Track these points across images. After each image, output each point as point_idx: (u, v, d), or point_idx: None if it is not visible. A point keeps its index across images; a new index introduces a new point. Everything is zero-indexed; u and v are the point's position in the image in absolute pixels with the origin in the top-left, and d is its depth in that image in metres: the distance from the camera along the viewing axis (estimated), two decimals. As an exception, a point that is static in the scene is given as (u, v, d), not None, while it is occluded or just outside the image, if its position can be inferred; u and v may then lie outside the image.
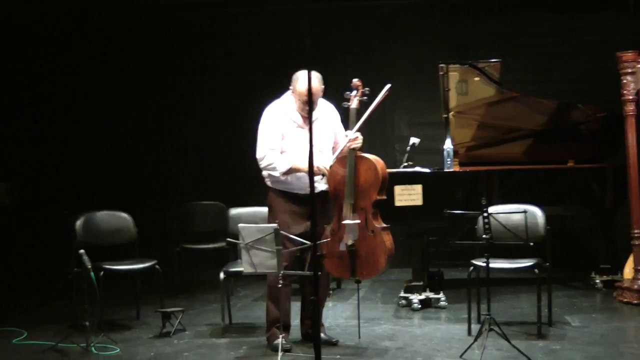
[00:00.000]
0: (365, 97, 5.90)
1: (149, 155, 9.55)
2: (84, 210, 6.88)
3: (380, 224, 5.74)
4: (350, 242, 5.68)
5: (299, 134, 5.76)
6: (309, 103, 4.00)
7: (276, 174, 5.75)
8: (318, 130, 5.70)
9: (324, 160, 5.75)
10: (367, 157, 5.79)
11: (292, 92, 5.76)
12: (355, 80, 5.94)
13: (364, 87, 5.90)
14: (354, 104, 5.86)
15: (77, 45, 9.65)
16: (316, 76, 5.67)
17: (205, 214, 8.14)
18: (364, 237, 5.70)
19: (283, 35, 9.09)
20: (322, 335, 5.78)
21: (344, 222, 5.70)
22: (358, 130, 5.78)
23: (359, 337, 6.01)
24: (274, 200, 5.85)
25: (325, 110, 5.90)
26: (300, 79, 5.67)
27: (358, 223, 5.69)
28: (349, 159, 5.74)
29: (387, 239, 5.70)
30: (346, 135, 5.81)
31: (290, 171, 5.69)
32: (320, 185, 5.76)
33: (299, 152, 5.70)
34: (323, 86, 5.74)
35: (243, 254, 5.37)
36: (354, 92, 5.88)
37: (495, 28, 9.09)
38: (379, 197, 5.72)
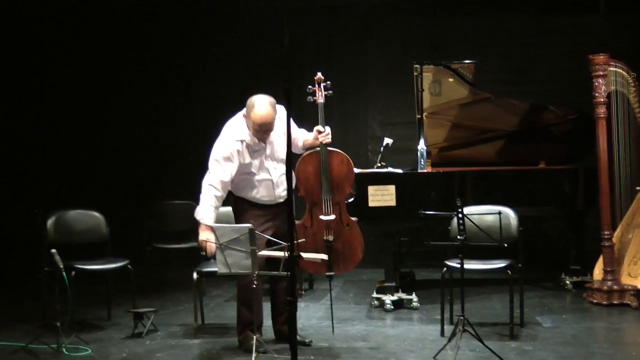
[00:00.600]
0: (330, 91, 5.94)
1: (121, 154, 9.47)
2: (55, 208, 6.79)
3: (352, 217, 5.82)
4: (330, 238, 5.68)
5: (258, 152, 5.71)
6: (286, 99, 3.97)
7: (195, 211, 5.80)
8: (277, 144, 5.71)
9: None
10: (337, 151, 5.86)
11: (246, 117, 5.67)
12: (319, 74, 5.97)
13: (326, 81, 5.92)
14: (320, 98, 5.91)
15: (51, 43, 9.53)
16: (269, 102, 5.57)
17: (177, 213, 8.07)
18: (340, 231, 5.79)
19: (260, 33, 9.08)
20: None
21: (322, 217, 5.70)
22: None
23: (333, 333, 6.05)
24: (238, 205, 5.85)
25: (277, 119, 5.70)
26: (256, 106, 5.55)
27: (335, 218, 5.74)
28: (321, 154, 5.78)
29: (359, 231, 5.82)
30: (318, 131, 5.80)
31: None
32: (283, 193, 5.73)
33: (259, 171, 5.68)
34: (276, 112, 5.59)
35: (217, 254, 5.34)
36: (318, 87, 5.91)
37: (469, 29, 9.13)
38: (351, 191, 5.75)
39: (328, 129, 5.81)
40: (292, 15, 4.07)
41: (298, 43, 8.83)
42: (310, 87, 5.95)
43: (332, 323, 6.17)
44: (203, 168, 9.22)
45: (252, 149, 5.69)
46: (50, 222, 6.64)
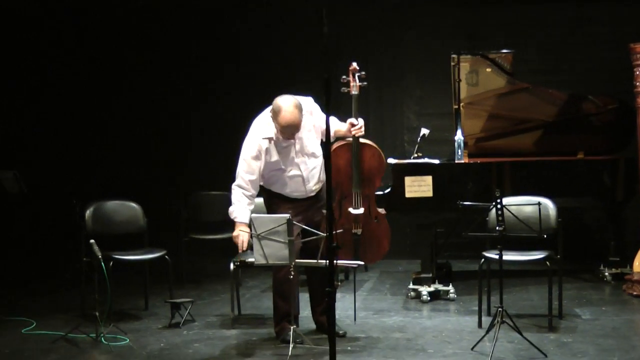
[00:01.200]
0: (364, 82, 5.89)
1: (158, 145, 9.51)
2: (93, 199, 6.85)
3: (380, 210, 5.82)
4: (358, 232, 5.66)
5: (287, 148, 5.68)
6: (325, 89, 3.95)
7: (230, 210, 5.78)
8: (306, 139, 5.68)
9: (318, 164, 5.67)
10: (369, 144, 5.82)
11: (273, 118, 5.62)
12: (354, 64, 5.90)
13: (360, 72, 5.84)
14: (354, 89, 5.85)
15: (85, 35, 9.61)
16: (294, 105, 5.50)
17: (214, 204, 8.09)
18: (369, 224, 5.80)
19: (296, 24, 9.07)
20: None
21: (351, 210, 5.67)
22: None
23: (355, 322, 6.11)
24: (270, 198, 5.85)
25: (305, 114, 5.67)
26: (282, 110, 5.49)
27: (363, 212, 5.75)
28: (353, 147, 5.73)
29: (387, 223, 5.83)
30: (351, 124, 5.76)
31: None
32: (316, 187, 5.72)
33: (288, 167, 5.65)
34: (302, 113, 5.54)
35: (255, 245, 5.35)
36: (353, 77, 5.84)
37: (506, 18, 9.02)
38: (380, 184, 5.81)
39: (361, 122, 5.77)
40: (329, 5, 4.04)
41: (335, 34, 8.80)
42: (344, 77, 5.91)
43: (355, 313, 6.18)
44: (238, 158, 9.31)
45: (280, 146, 5.67)
46: (88, 212, 6.70)
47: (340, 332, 5.84)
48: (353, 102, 5.81)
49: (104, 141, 9.59)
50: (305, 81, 8.69)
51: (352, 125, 5.74)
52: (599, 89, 8.09)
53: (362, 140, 5.84)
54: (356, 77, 5.86)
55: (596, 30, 8.85)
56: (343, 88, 5.89)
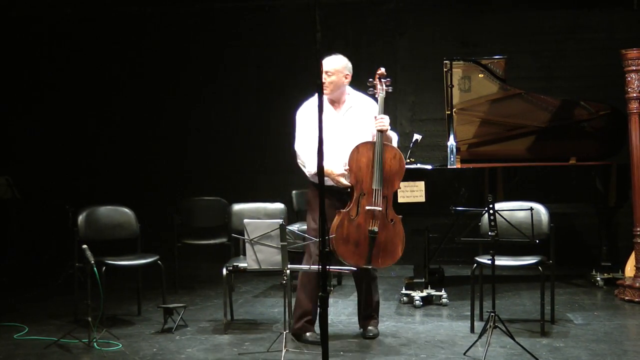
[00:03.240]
0: (390, 88, 5.94)
1: (151, 151, 9.53)
2: (86, 205, 6.84)
3: (396, 214, 5.79)
4: (375, 229, 5.67)
5: (330, 123, 5.77)
6: (319, 94, 3.97)
7: (306, 172, 5.80)
8: (351, 119, 5.86)
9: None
10: (392, 146, 5.80)
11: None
12: (382, 69, 5.95)
13: (387, 77, 5.93)
14: (381, 92, 5.87)
15: (78, 41, 9.61)
16: (338, 55, 5.92)
17: (207, 209, 8.11)
18: (385, 225, 5.72)
19: (289, 30, 9.10)
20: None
21: (368, 207, 5.68)
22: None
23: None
24: (314, 196, 5.81)
25: (361, 102, 5.92)
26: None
27: (381, 210, 5.69)
28: (377, 143, 5.71)
29: (402, 229, 5.79)
30: (375, 118, 5.78)
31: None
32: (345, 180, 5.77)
33: (329, 142, 5.61)
34: (339, 63, 5.85)
35: (247, 250, 5.35)
36: (379, 81, 5.89)
37: (499, 24, 9.07)
38: (400, 187, 5.85)
39: (385, 117, 5.76)
40: (322, 11, 4.05)
41: (328, 40, 8.82)
42: (370, 80, 5.93)
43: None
44: (232, 165, 9.34)
45: (327, 114, 5.82)
46: (81, 218, 6.68)
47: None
48: (380, 103, 5.84)
49: (97, 147, 9.60)
50: (298, 87, 8.76)
51: (376, 118, 5.77)
52: (592, 95, 8.14)
53: (385, 143, 5.80)
54: (382, 82, 5.90)
55: (588, 37, 8.91)
56: (370, 89, 5.93)
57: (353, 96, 5.95)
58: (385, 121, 5.72)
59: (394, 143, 5.89)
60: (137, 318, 6.71)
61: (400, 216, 5.82)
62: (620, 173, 7.47)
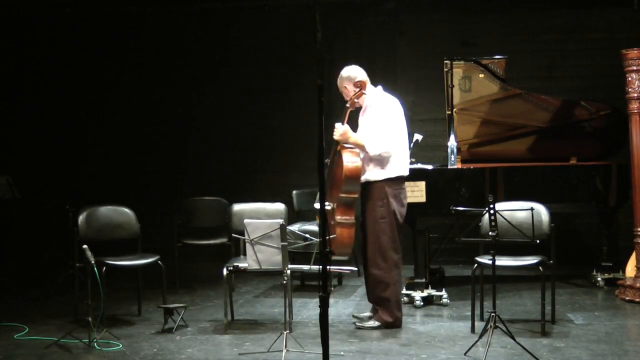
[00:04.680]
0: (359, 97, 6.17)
1: (151, 150, 9.53)
2: (86, 205, 6.84)
3: (341, 217, 5.97)
4: (332, 222, 5.98)
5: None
6: (318, 95, 3.99)
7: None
8: (364, 119, 6.19)
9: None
10: (343, 155, 5.97)
11: None
12: (359, 81, 6.16)
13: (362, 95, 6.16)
14: (347, 103, 6.15)
15: (78, 41, 9.60)
16: (344, 69, 6.23)
17: (207, 209, 8.11)
18: (330, 221, 6.01)
19: (289, 30, 9.10)
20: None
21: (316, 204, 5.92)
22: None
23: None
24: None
25: (373, 102, 6.15)
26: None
27: (328, 208, 5.90)
28: (333, 148, 6.09)
29: (340, 233, 5.94)
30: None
31: None
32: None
33: None
34: (344, 76, 6.17)
35: (248, 250, 5.35)
36: (355, 94, 6.15)
37: (500, 24, 9.08)
38: (342, 195, 5.97)
39: (337, 126, 6.04)
40: (322, 10, 4.05)
41: (328, 39, 8.83)
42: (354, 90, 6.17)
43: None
44: (232, 165, 9.33)
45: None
46: (81, 218, 6.67)
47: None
48: (346, 113, 6.11)
49: (98, 146, 9.60)
50: (298, 87, 8.78)
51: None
52: (592, 95, 8.14)
53: (346, 147, 6.03)
54: (356, 92, 6.13)
55: (589, 37, 8.91)
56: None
57: (370, 96, 6.17)
58: (336, 131, 6.02)
59: (369, 148, 6.00)
60: (137, 318, 6.71)
61: (343, 220, 5.96)
62: (621, 173, 7.47)
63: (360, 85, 6.10)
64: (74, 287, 6.65)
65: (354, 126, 6.15)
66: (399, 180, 6.16)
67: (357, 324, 6.28)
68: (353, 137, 6.04)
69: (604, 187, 7.52)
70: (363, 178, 6.08)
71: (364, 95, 6.13)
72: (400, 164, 6.15)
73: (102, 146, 9.59)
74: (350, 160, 5.98)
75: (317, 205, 5.91)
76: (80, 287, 6.50)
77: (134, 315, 6.78)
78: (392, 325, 6.19)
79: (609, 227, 7.87)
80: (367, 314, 6.34)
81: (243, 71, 9.42)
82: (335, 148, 6.06)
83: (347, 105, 6.11)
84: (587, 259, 8.22)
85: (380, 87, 6.27)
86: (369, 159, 6.07)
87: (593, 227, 8.30)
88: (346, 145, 6.04)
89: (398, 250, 6.20)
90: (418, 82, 9.21)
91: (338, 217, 5.99)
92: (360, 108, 6.24)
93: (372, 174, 6.09)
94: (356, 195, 6.05)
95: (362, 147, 6.03)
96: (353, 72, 6.16)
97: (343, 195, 5.96)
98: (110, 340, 5.89)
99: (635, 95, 7.02)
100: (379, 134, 6.01)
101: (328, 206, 5.88)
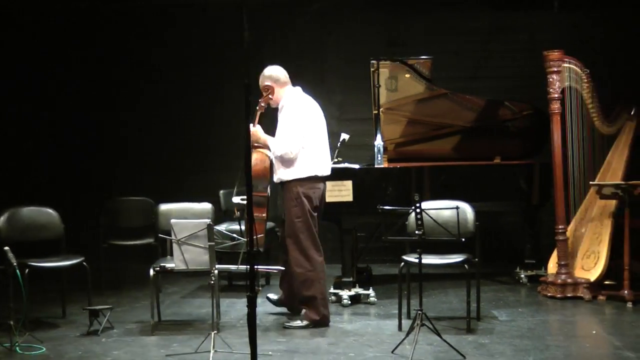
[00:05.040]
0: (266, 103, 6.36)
1: (76, 150, 9.33)
2: (8, 205, 6.67)
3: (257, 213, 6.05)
4: (238, 214, 6.29)
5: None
6: (245, 94, 3.98)
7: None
8: (279, 119, 6.31)
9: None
10: (253, 155, 6.08)
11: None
12: (266, 85, 6.35)
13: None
14: (257, 105, 6.34)
15: (11, 38, 9.36)
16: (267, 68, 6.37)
17: (133, 209, 8.00)
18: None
19: (217, 29, 9.04)
20: None
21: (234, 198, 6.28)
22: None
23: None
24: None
25: (287, 103, 6.29)
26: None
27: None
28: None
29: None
30: None
31: None
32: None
33: None
34: (265, 75, 6.32)
35: (175, 250, 5.30)
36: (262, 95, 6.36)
37: (425, 25, 9.18)
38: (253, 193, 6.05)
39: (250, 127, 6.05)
40: (250, 10, 4.04)
41: (257, 39, 8.80)
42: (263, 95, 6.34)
43: None
44: (159, 164, 9.23)
45: None
46: (2, 219, 6.51)
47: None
48: (256, 114, 6.33)
49: (19, 145, 9.35)
50: (226, 86, 8.71)
51: None
52: (515, 95, 8.30)
53: (256, 147, 6.23)
54: (264, 96, 6.34)
55: (513, 38, 9.09)
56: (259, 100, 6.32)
57: (286, 97, 6.30)
58: (253, 134, 6.15)
59: (272, 149, 6.20)
60: (61, 321, 6.59)
61: (262, 216, 6.16)
62: (543, 172, 7.64)
63: (268, 90, 6.28)
64: (-6, 290, 6.48)
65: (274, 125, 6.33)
66: (312, 180, 6.24)
67: (285, 324, 6.27)
68: (262, 137, 6.23)
69: (527, 185, 7.68)
70: (277, 178, 6.27)
71: (282, 96, 6.29)
72: (313, 164, 6.25)
73: (25, 145, 9.35)
74: (258, 159, 6.14)
75: (235, 199, 6.19)
76: (1, 290, 6.33)
77: (58, 318, 6.65)
78: (320, 323, 6.21)
79: (532, 225, 8.04)
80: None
81: (170, 70, 9.32)
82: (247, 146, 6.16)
83: (257, 107, 6.25)
84: (511, 257, 8.37)
85: (299, 88, 6.38)
86: (279, 160, 6.22)
87: (517, 225, 8.46)
88: (256, 145, 6.20)
89: (319, 248, 6.25)
90: (345, 81, 9.25)
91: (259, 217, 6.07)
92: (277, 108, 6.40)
93: (284, 173, 6.24)
94: (264, 194, 6.19)
95: (267, 147, 6.26)
96: (274, 72, 6.33)
97: (255, 194, 6.02)
98: (33, 344, 5.76)
99: (556, 95, 7.19)
100: (283, 135, 6.18)
101: (244, 201, 6.02)
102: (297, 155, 6.16)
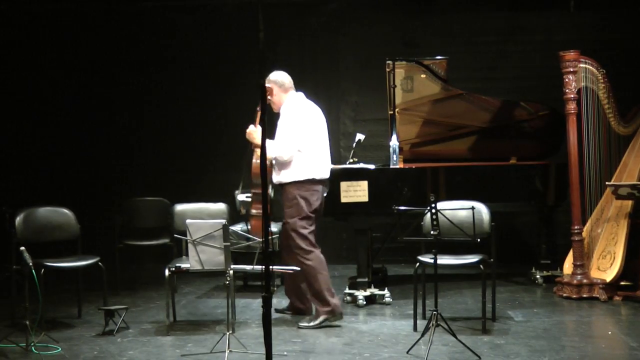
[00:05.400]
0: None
1: (92, 151, 9.37)
2: (24, 205, 6.70)
3: (254, 209, 6.40)
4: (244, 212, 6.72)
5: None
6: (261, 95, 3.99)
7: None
8: (279, 123, 6.42)
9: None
10: (254, 154, 6.43)
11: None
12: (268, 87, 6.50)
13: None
14: (259, 105, 6.34)
15: (10, 39, 9.40)
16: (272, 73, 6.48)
17: (149, 210, 8.01)
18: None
19: (233, 30, 9.05)
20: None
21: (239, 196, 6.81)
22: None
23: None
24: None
25: (287, 108, 6.43)
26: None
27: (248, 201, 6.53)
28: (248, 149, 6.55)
29: (254, 223, 6.40)
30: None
31: None
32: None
33: None
34: (269, 81, 6.40)
35: (190, 251, 5.31)
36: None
37: (441, 25, 9.17)
38: (253, 190, 6.47)
39: (250, 127, 6.43)
40: (264, 11, 4.04)
41: (271, 40, 8.82)
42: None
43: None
44: (174, 165, 9.25)
45: None
46: (19, 219, 6.54)
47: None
48: (257, 115, 6.45)
49: (35, 146, 9.40)
50: (241, 86, 8.73)
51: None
52: (531, 95, 8.27)
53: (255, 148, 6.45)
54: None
55: (528, 39, 9.06)
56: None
57: (287, 102, 6.44)
58: (247, 132, 6.41)
59: (268, 152, 6.16)
60: (77, 321, 6.61)
61: (253, 212, 6.42)
62: (559, 172, 7.61)
63: (268, 91, 6.37)
64: (11, 290, 6.51)
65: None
66: (309, 183, 6.33)
67: (300, 324, 6.28)
68: (257, 139, 6.29)
69: (542, 186, 7.65)
70: (275, 180, 6.41)
71: (284, 100, 6.43)
72: (311, 167, 6.34)
73: (40, 145, 9.40)
74: (256, 159, 6.41)
75: (240, 197, 6.62)
76: (17, 290, 6.36)
77: (74, 318, 6.68)
78: (333, 312, 6.26)
79: (547, 225, 8.01)
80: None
81: (185, 71, 9.34)
82: (249, 147, 6.49)
83: (258, 108, 6.28)
84: (526, 257, 8.35)
85: (301, 94, 6.51)
86: (275, 162, 6.37)
87: (532, 225, 8.43)
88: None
89: (315, 245, 6.36)
90: (361, 82, 9.25)
91: (253, 210, 6.41)
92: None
93: (282, 176, 6.36)
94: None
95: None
96: (279, 77, 6.45)
97: (253, 190, 6.41)
98: (49, 344, 5.79)
99: (572, 96, 7.16)
100: (278, 138, 6.32)
101: (248, 198, 6.49)
102: (292, 158, 6.28)
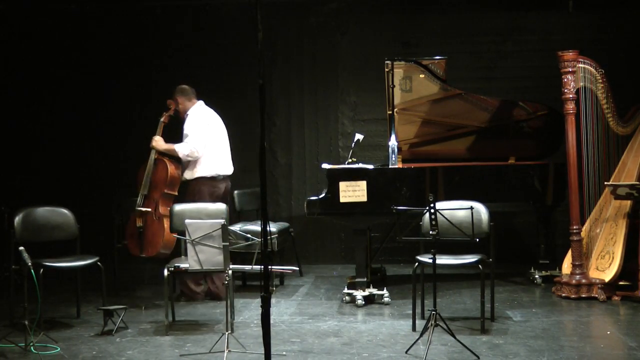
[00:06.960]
0: (173, 114, 7.47)
1: (91, 151, 9.37)
2: (23, 205, 6.69)
3: (166, 213, 6.98)
4: (140, 225, 7.11)
5: None
6: (260, 94, 3.99)
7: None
8: (185, 126, 7.35)
9: None
10: (164, 160, 7.21)
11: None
12: (170, 101, 7.46)
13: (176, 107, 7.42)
14: (162, 117, 7.42)
15: (10, 40, 9.40)
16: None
17: (148, 210, 8.01)
18: (152, 221, 7.11)
19: (231, 29, 9.06)
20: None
21: (137, 208, 7.16)
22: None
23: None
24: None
25: (189, 114, 7.38)
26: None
27: (149, 210, 7.12)
28: (150, 157, 7.24)
29: (164, 227, 7.02)
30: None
31: None
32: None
33: None
34: (177, 97, 7.43)
35: (189, 250, 5.31)
36: (167, 110, 7.45)
37: (440, 25, 9.17)
38: (167, 191, 7.16)
39: (155, 138, 7.32)
40: (264, 10, 4.04)
41: (270, 39, 8.82)
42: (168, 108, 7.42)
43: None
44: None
45: None
46: (18, 219, 6.53)
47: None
48: (158, 126, 7.41)
49: (34, 145, 9.40)
50: (239, 86, 8.74)
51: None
52: (530, 95, 8.28)
53: (161, 154, 7.24)
54: (170, 110, 7.46)
55: (527, 39, 9.07)
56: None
57: (190, 109, 7.38)
58: (154, 142, 7.27)
59: (178, 151, 7.20)
60: (76, 321, 6.62)
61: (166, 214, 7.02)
62: (558, 172, 7.61)
63: (172, 105, 7.40)
64: (10, 290, 6.50)
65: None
66: (215, 179, 7.27)
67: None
68: (163, 146, 7.23)
69: (541, 186, 7.65)
70: (183, 178, 7.26)
71: (189, 107, 7.37)
72: (215, 164, 7.28)
73: (39, 145, 9.40)
74: (159, 168, 7.22)
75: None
76: (16, 289, 6.36)
77: (73, 318, 6.68)
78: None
79: (546, 225, 8.01)
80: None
81: (184, 70, 9.32)
82: (152, 155, 7.25)
83: (161, 119, 7.34)
84: (525, 257, 8.36)
85: (201, 102, 7.43)
86: (185, 162, 7.22)
87: (531, 225, 8.43)
88: (160, 151, 7.23)
89: None
90: (359, 82, 9.25)
91: (165, 215, 7.03)
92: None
93: (188, 174, 7.24)
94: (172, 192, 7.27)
95: (173, 152, 7.21)
96: (184, 87, 7.44)
97: (168, 192, 7.19)
98: (48, 343, 5.79)
99: (571, 96, 7.16)
100: (187, 138, 7.19)
101: (144, 209, 7.16)
102: (203, 154, 7.17)
